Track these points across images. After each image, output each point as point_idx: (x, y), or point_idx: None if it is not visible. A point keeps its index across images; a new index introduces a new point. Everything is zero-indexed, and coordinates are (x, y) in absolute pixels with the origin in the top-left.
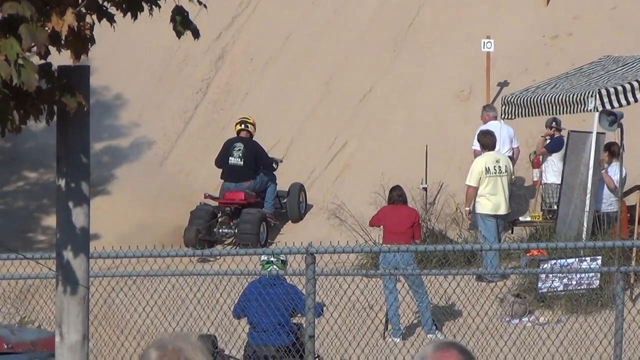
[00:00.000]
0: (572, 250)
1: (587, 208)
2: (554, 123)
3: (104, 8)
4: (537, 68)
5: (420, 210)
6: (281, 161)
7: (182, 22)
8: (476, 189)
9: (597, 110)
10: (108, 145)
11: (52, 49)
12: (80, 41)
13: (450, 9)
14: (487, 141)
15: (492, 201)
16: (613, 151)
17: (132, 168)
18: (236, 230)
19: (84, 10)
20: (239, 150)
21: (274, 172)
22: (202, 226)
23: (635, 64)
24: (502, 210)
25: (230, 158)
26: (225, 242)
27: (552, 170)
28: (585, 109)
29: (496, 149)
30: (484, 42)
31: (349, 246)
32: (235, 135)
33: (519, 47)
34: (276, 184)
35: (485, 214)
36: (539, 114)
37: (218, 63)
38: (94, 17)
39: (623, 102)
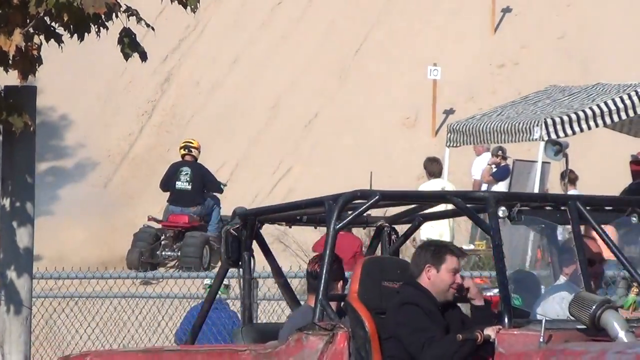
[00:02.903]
0: None
1: (531, 237)
2: (500, 151)
3: (52, 28)
4: (484, 96)
5: (363, 237)
6: (225, 185)
7: (129, 44)
8: None
9: (543, 140)
10: (53, 166)
11: None
12: (28, 61)
13: (398, 35)
14: (433, 168)
15: (435, 228)
16: (572, 178)
17: (76, 189)
18: (179, 253)
19: (32, 30)
20: (186, 174)
21: (217, 196)
22: (145, 249)
23: (581, 94)
24: (446, 238)
25: (177, 182)
26: (168, 265)
27: None
28: (531, 138)
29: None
30: (431, 70)
31: (292, 271)
32: (181, 159)
33: (466, 75)
34: (220, 207)
35: None
36: (485, 142)
37: (164, 86)
38: (42, 37)
39: (569, 131)
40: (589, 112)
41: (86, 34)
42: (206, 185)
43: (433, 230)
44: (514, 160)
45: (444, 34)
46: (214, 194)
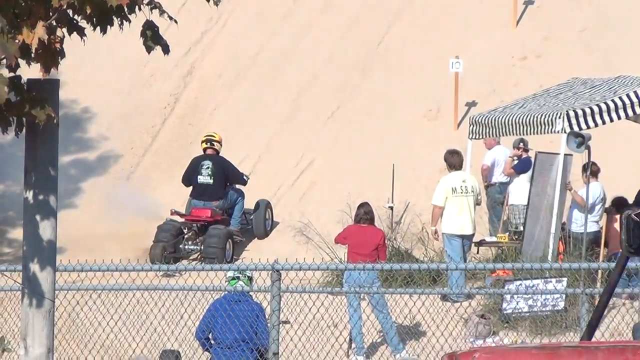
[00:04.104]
0: (538, 271)
1: (553, 229)
2: (521, 144)
3: (75, 21)
4: (506, 89)
5: (386, 230)
6: (248, 177)
7: (152, 37)
8: (442, 208)
9: (565, 132)
10: (75, 158)
11: (22, 61)
12: (51, 54)
13: (420, 28)
14: (454, 160)
15: (457, 221)
16: (594, 171)
17: (98, 181)
18: (202, 247)
19: (55, 23)
20: (208, 168)
21: (242, 189)
22: (168, 242)
23: (603, 86)
24: (468, 230)
25: (199, 177)
26: (191, 258)
27: (518, 191)
28: (553, 130)
29: (499, 173)
30: (453, 62)
31: (315, 263)
32: (202, 153)
33: (488, 68)
34: (244, 200)
35: (451, 234)
36: (507, 135)
37: (187, 78)
38: (65, 30)
39: (591, 124)
40: (611, 105)
41: (109, 26)
42: (229, 178)
43: (455, 223)
44: (536, 152)
45: (466, 27)
46: (238, 186)
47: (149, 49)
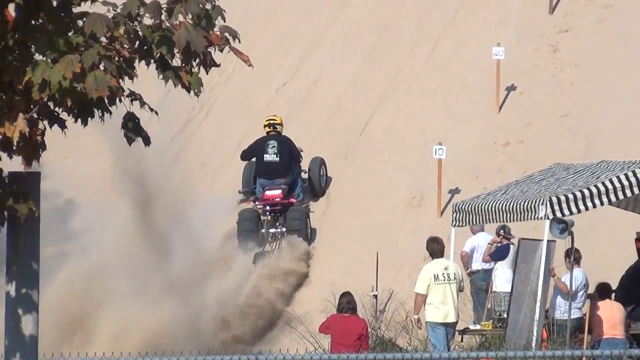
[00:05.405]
0: (522, 359)
1: (537, 316)
2: (502, 231)
3: (56, 114)
4: (489, 175)
5: (370, 318)
6: (302, 150)
7: (133, 128)
8: (425, 296)
9: (548, 218)
10: (58, 251)
11: (3, 154)
12: (32, 147)
13: (403, 115)
14: (435, 248)
15: (441, 309)
16: (576, 257)
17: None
18: (284, 229)
19: (36, 116)
20: (274, 147)
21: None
22: (252, 230)
23: (585, 172)
24: (451, 318)
25: (265, 155)
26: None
27: (501, 278)
28: (536, 216)
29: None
30: (436, 149)
31: (298, 354)
32: (266, 134)
33: (471, 154)
34: (302, 173)
35: (434, 322)
36: (490, 222)
37: (169, 168)
38: (46, 122)
39: (574, 209)
40: (594, 190)
41: (90, 118)
42: (292, 155)
43: (438, 311)
44: (520, 239)
45: (449, 113)
46: (298, 162)
47: (129, 141)
